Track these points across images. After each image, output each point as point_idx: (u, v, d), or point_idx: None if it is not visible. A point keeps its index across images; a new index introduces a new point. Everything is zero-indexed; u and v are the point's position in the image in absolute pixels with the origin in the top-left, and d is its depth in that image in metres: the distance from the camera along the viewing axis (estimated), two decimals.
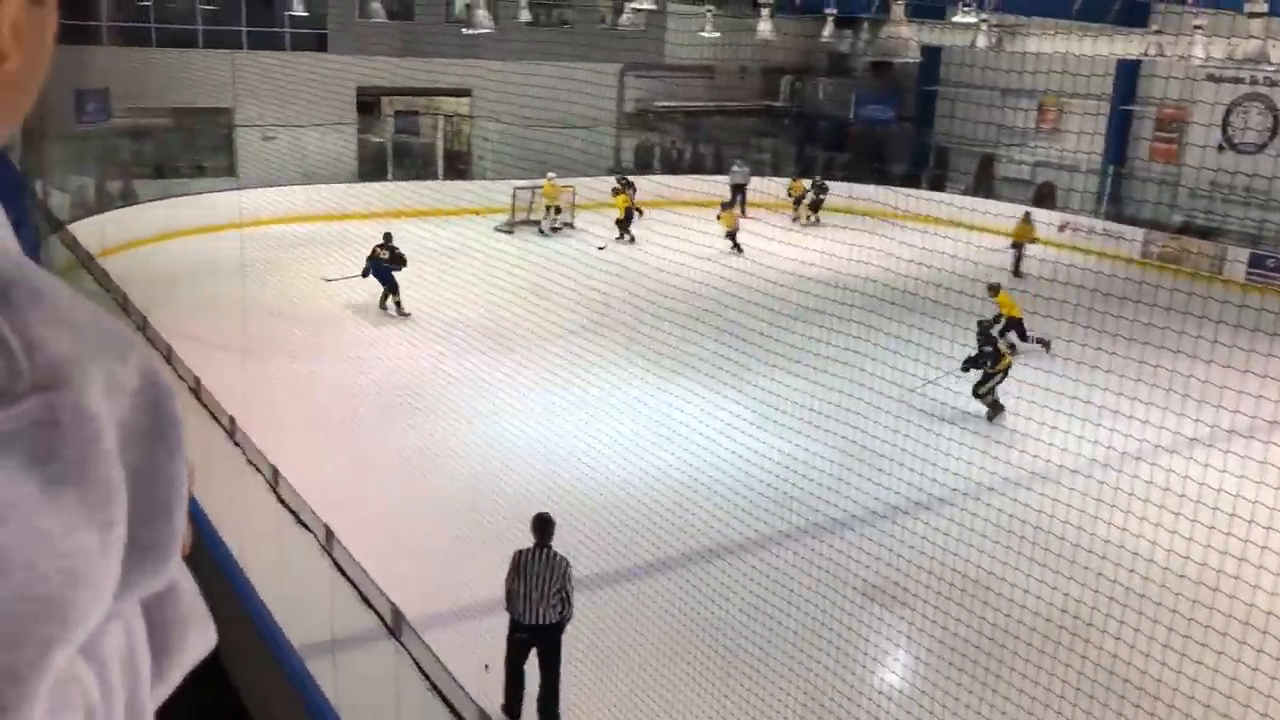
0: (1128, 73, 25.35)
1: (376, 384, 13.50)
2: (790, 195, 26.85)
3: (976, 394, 13.99)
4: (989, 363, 13.86)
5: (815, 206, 26.27)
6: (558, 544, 7.71)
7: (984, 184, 27.69)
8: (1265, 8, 16.85)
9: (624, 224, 23.26)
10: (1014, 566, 8.55)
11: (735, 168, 27.22)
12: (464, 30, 20.82)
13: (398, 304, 17.31)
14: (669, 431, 11.68)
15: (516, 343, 13.78)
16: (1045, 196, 26.42)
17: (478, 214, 25.01)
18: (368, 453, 11.67)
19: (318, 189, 23.90)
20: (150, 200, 23.39)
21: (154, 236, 21.15)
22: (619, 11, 24.13)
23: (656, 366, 13.64)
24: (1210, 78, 23.25)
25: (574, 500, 10.17)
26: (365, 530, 8.95)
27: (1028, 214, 22.81)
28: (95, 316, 0.54)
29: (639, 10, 22.94)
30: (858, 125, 30.33)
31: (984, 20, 22.13)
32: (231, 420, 9.38)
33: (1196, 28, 19.81)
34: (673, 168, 29.55)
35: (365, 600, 7.14)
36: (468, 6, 22.03)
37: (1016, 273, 21.09)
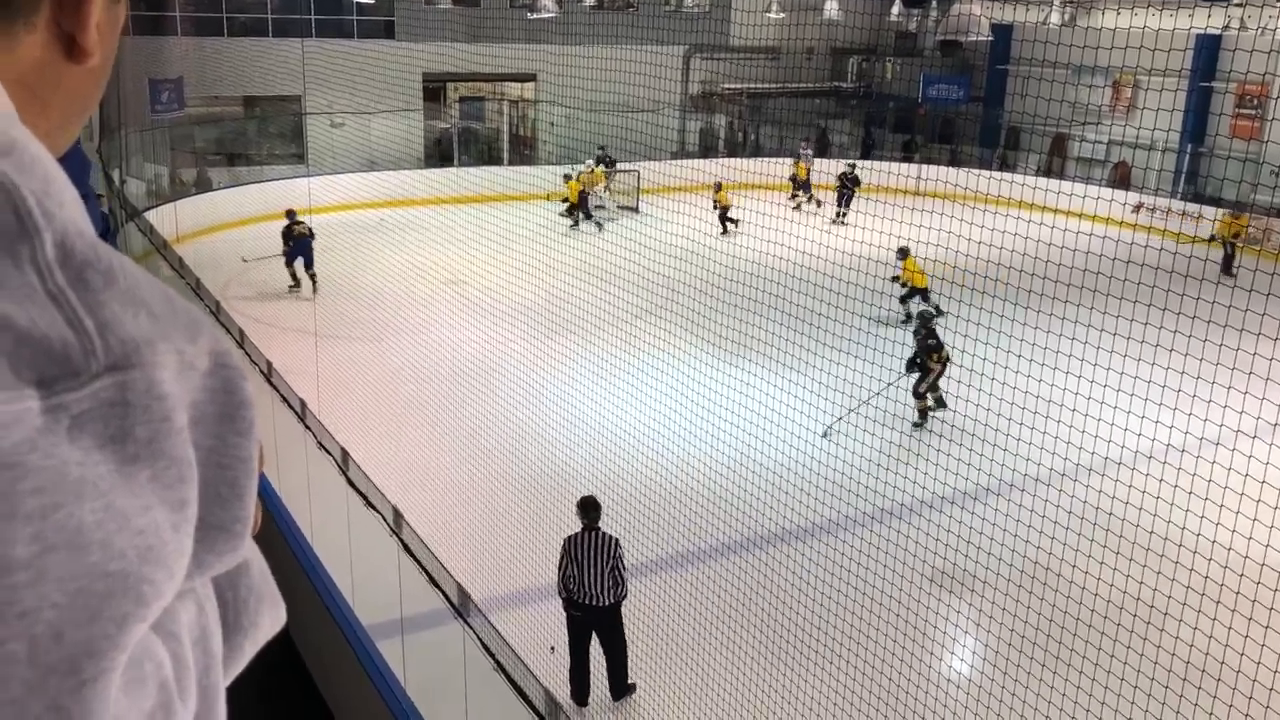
0: (1207, 47, 24.62)
1: (442, 366, 13.65)
2: (793, 178, 25.43)
3: (917, 394, 12.97)
4: (929, 356, 12.87)
5: (845, 200, 23.64)
6: (620, 527, 7.75)
7: (1057, 164, 27.12)
8: None
9: (577, 208, 23.36)
10: (1086, 554, 8.39)
11: (802, 150, 27.02)
12: (529, 15, 20.86)
13: (313, 276, 17.88)
14: (733, 415, 11.65)
15: (579, 326, 13.82)
16: (1120, 177, 25.81)
17: (547, 199, 25.17)
18: (434, 434, 11.82)
19: (385, 175, 24.20)
20: (222, 187, 23.90)
21: (226, 223, 21.61)
22: None
23: (720, 350, 13.61)
24: None
25: (636, 483, 10.19)
26: (432, 511, 9.07)
27: (1236, 207, 21.24)
28: (167, 297, 0.54)
29: None
30: (926, 105, 29.89)
31: None
32: (302, 403, 9.54)
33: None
34: (733, 151, 29.42)
35: (433, 581, 7.23)
36: None
37: (1228, 270, 19.32)
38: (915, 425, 12.91)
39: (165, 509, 0.51)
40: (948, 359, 12.79)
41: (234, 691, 0.61)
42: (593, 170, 24.34)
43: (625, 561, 7.67)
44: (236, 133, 26.74)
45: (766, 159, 25.94)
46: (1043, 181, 22.23)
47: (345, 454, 8.50)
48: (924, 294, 16.28)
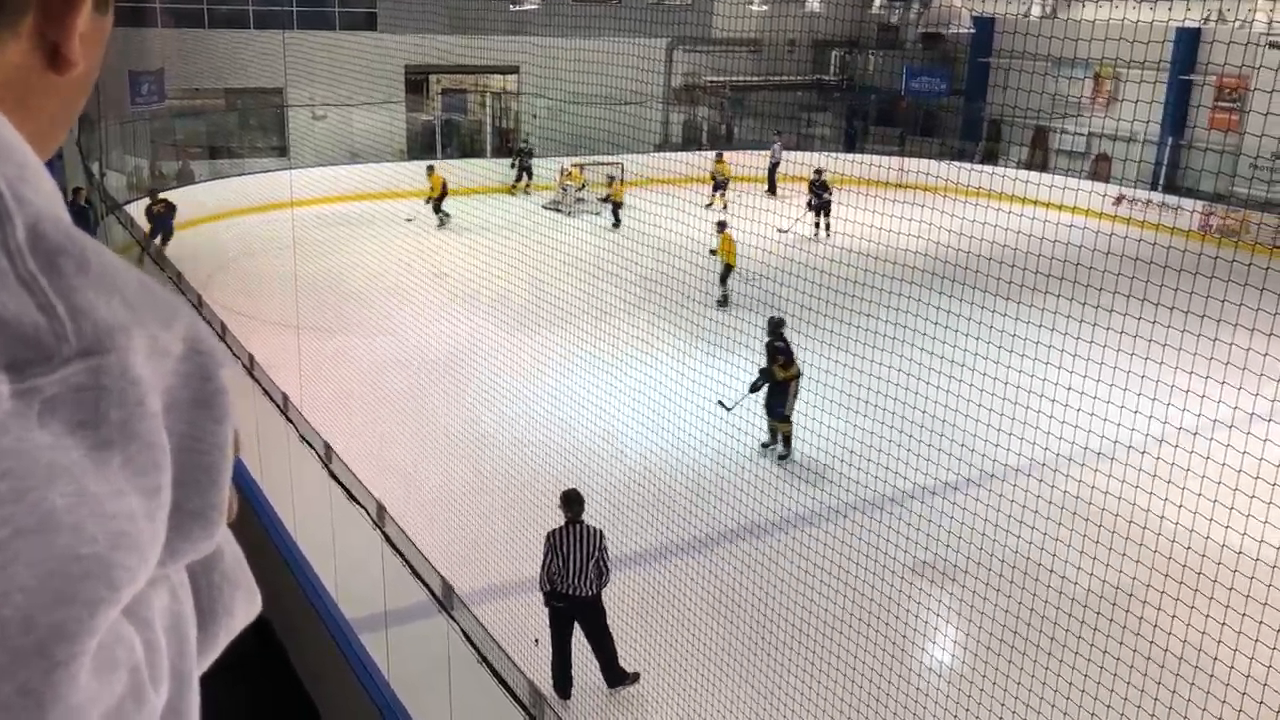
0: (1187, 40, 24.73)
1: (425, 359, 13.61)
2: (713, 175, 24.01)
3: (778, 416, 11.34)
4: (775, 362, 11.43)
5: (821, 209, 21.48)
6: (604, 520, 7.75)
7: (1039, 157, 27.21)
8: None
9: (439, 201, 22.54)
10: (1067, 544, 8.45)
11: (774, 141, 27.06)
12: (512, 7, 20.82)
13: (163, 246, 18.35)
14: (715, 408, 11.65)
15: (563, 319, 13.81)
16: (1100, 170, 25.92)
17: (526, 192, 25.12)
18: (417, 427, 11.79)
19: (367, 167, 24.09)
20: (204, 180, 23.74)
21: (207, 216, 21.47)
22: None
23: (702, 343, 13.62)
24: (1273, 45, 22.58)
25: (619, 476, 10.20)
26: (415, 504, 9.05)
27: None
28: (141, 283, 0.54)
29: None
30: (908, 98, 29.93)
31: None
32: (284, 397, 9.50)
33: None
34: (714, 144, 29.43)
35: (416, 574, 7.22)
36: None
37: None
38: (781, 458, 11.37)
39: (138, 494, 0.50)
40: (799, 374, 11.44)
41: (218, 687, 0.61)
42: (569, 172, 24.12)
43: (609, 553, 7.70)
44: (218, 125, 26.57)
45: (747, 151, 25.93)
46: (1024, 174, 22.33)
47: (328, 447, 8.47)
48: (728, 270, 16.44)
